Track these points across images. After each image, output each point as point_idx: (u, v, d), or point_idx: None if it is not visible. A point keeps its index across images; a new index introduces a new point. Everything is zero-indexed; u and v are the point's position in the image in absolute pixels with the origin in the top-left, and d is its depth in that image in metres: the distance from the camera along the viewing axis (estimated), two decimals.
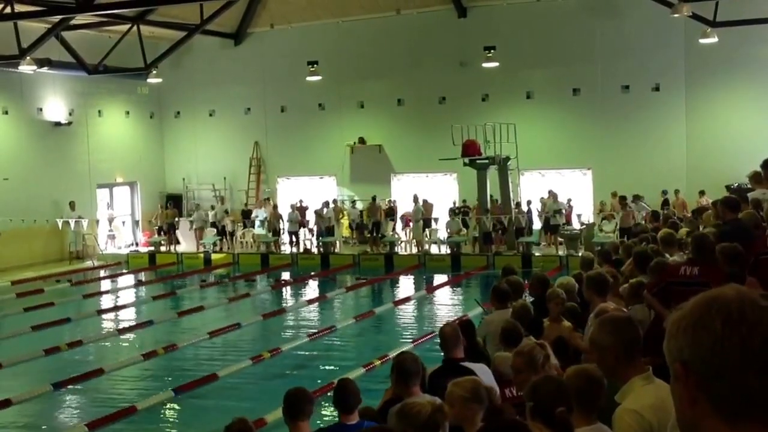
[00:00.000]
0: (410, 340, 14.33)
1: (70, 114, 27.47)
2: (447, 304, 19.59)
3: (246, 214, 27.93)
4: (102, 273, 24.99)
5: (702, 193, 22.81)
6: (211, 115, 30.70)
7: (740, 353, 1.35)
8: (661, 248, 8.92)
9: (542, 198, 24.98)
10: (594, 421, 3.85)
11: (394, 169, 28.38)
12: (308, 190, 28.54)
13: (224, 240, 27.09)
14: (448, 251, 24.42)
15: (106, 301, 20.73)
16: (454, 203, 26.31)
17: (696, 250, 7.00)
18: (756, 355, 1.35)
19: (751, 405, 1.36)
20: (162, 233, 27.57)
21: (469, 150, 23.42)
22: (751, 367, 1.35)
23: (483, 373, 5.57)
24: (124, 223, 29.14)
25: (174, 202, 29.17)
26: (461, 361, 6.00)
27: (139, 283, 23.45)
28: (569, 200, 24.81)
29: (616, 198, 24.18)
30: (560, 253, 23.10)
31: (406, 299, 19.51)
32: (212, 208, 27.95)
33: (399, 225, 26.49)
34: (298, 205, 26.89)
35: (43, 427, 11.37)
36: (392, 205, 26.70)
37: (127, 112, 29.96)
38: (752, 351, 1.35)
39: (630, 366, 3.57)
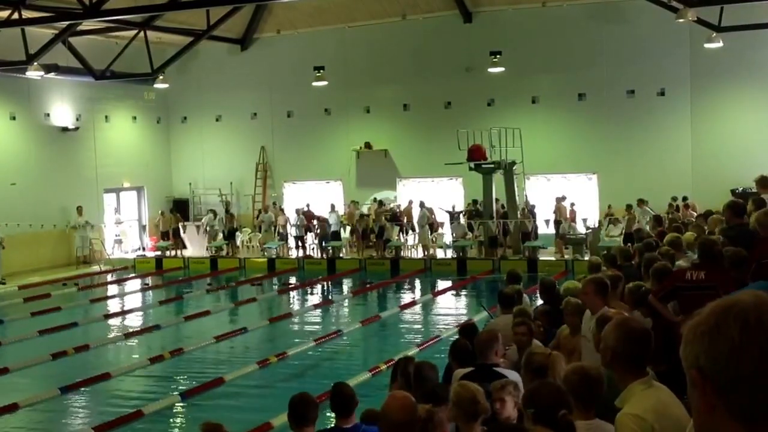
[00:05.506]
0: (416, 345, 14.34)
1: (77, 119, 27.56)
2: (453, 308, 19.60)
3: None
4: (109, 277, 25.09)
5: (685, 198, 23.00)
6: (217, 120, 30.78)
7: (758, 361, 1.34)
8: (669, 252, 8.89)
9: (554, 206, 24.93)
10: (592, 417, 3.88)
11: (400, 173, 28.43)
12: (315, 195, 28.52)
13: (230, 245, 27.10)
14: (454, 255, 24.43)
15: (113, 306, 20.80)
16: (453, 207, 26.22)
17: (703, 254, 6.99)
18: None
19: None
20: (166, 238, 27.60)
21: (475, 155, 23.44)
22: None
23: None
24: (131, 227, 29.21)
25: (180, 207, 29.20)
26: (494, 366, 5.89)
27: (145, 288, 23.51)
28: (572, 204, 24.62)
29: (611, 208, 24.20)
30: (566, 257, 23.09)
31: (412, 303, 19.54)
32: (215, 213, 27.98)
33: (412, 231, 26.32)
34: (305, 209, 26.87)
35: (50, 431, 11.42)
36: (397, 209, 26.69)
37: (134, 118, 30.06)
38: None
39: (632, 374, 3.58)
